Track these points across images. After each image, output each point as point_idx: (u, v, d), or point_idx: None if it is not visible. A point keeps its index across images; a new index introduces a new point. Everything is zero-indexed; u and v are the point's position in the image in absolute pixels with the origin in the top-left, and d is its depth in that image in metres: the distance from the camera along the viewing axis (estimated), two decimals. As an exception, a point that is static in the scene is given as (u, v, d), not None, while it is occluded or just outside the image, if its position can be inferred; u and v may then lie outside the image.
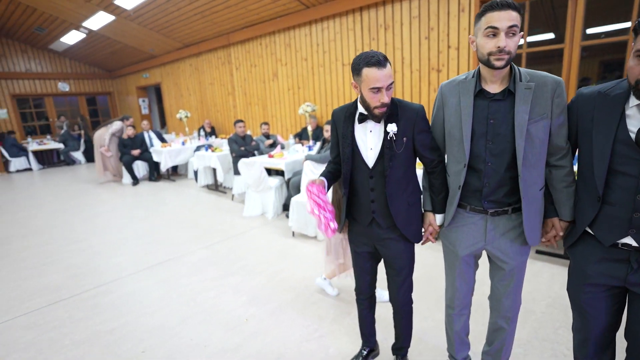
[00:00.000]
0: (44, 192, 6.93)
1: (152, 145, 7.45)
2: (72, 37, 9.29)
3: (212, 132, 8.12)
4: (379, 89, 1.38)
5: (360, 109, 1.52)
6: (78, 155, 10.47)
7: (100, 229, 4.50)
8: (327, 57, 5.79)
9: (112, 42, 9.10)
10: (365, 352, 1.96)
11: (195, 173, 6.62)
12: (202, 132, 7.93)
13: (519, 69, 1.35)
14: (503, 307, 1.57)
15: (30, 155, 9.70)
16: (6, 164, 9.47)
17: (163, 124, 12.07)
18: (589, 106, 1.27)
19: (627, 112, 1.17)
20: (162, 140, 7.72)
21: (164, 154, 6.91)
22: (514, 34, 1.24)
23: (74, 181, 7.82)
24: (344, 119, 1.58)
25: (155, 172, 7.28)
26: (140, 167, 7.33)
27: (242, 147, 5.32)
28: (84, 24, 8.00)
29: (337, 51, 5.63)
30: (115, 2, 6.68)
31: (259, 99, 7.26)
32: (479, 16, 1.29)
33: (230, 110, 8.11)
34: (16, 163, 9.57)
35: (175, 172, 7.90)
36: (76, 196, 6.37)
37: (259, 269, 3.16)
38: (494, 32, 1.24)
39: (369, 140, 1.53)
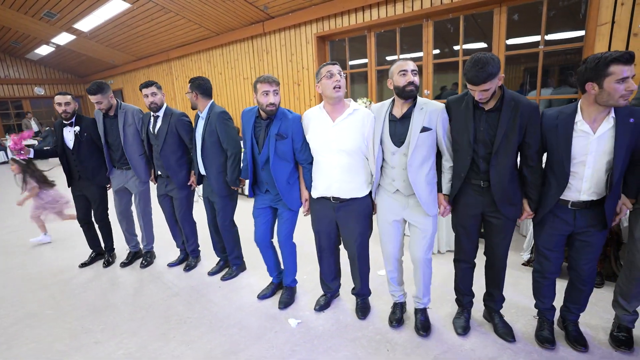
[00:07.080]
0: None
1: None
2: (44, 50, 10.95)
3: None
4: (61, 105, 3.01)
5: (65, 122, 3.13)
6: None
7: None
8: (234, 72, 7.58)
9: (78, 54, 10.78)
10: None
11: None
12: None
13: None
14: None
15: (8, 151, 11.32)
16: (-13, 157, 11.10)
17: (129, 123, 13.74)
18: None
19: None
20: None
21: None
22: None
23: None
24: (59, 127, 3.13)
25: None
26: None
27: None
28: (52, 40, 9.69)
29: (240, 68, 7.43)
30: (74, 26, 8.40)
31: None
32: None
33: (174, 112, 9.84)
34: (-5, 157, 11.21)
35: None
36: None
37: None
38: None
39: (69, 135, 3.14)
